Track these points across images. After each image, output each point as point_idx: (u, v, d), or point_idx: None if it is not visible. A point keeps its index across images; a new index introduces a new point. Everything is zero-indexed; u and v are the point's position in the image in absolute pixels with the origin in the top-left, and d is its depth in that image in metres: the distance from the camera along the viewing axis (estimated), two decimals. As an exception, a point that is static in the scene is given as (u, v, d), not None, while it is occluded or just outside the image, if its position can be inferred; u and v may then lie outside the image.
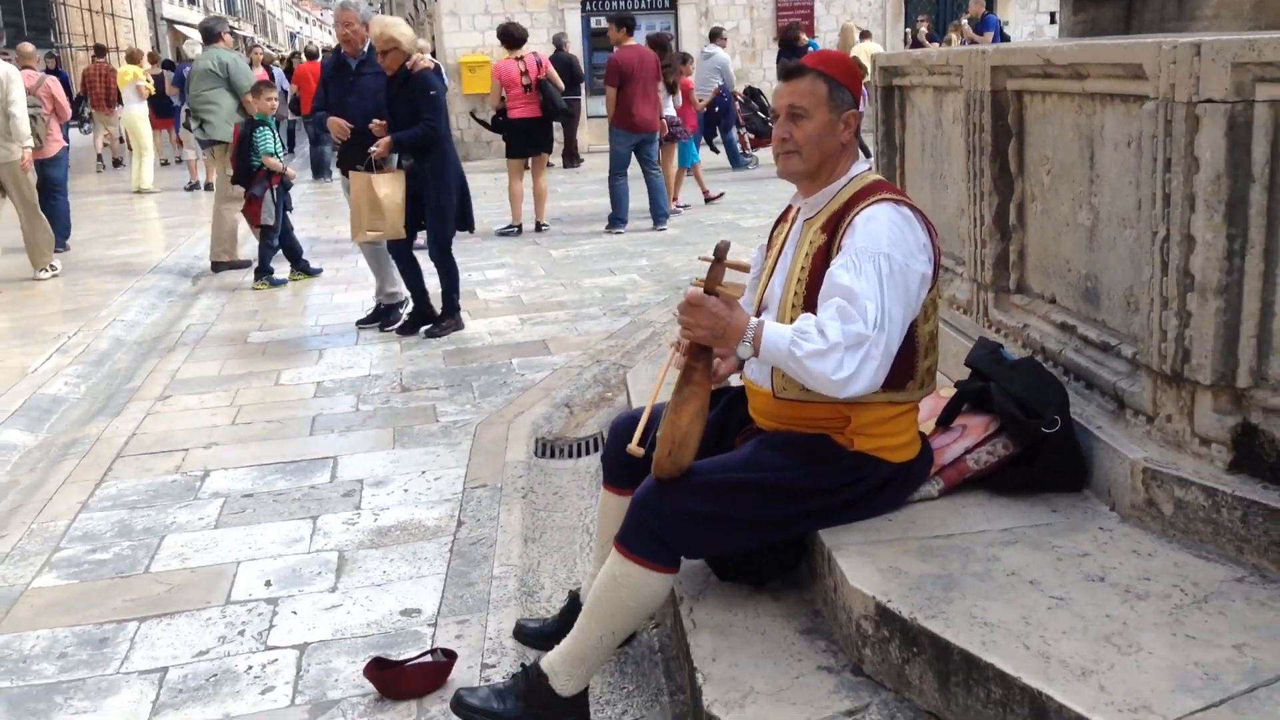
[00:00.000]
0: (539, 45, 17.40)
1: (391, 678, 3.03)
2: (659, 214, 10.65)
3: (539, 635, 3.16)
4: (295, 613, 3.51)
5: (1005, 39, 15.63)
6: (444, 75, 7.10)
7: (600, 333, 6.74)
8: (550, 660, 2.80)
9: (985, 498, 2.92)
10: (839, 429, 2.77)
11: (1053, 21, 19.70)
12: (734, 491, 2.70)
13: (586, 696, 2.85)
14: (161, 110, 17.27)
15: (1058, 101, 3.22)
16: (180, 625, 3.46)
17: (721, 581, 2.99)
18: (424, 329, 6.93)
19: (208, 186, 14.87)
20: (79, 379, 6.27)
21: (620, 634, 2.79)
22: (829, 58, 2.85)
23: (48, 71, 13.32)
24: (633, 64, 10.17)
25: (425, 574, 3.74)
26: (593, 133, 17.78)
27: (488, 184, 13.66)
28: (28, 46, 13.08)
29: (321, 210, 13.41)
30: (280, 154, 8.77)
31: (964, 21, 16.72)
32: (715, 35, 14.97)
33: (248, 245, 9.60)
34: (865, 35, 15.99)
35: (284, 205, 8.69)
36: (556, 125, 11.59)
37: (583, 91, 16.50)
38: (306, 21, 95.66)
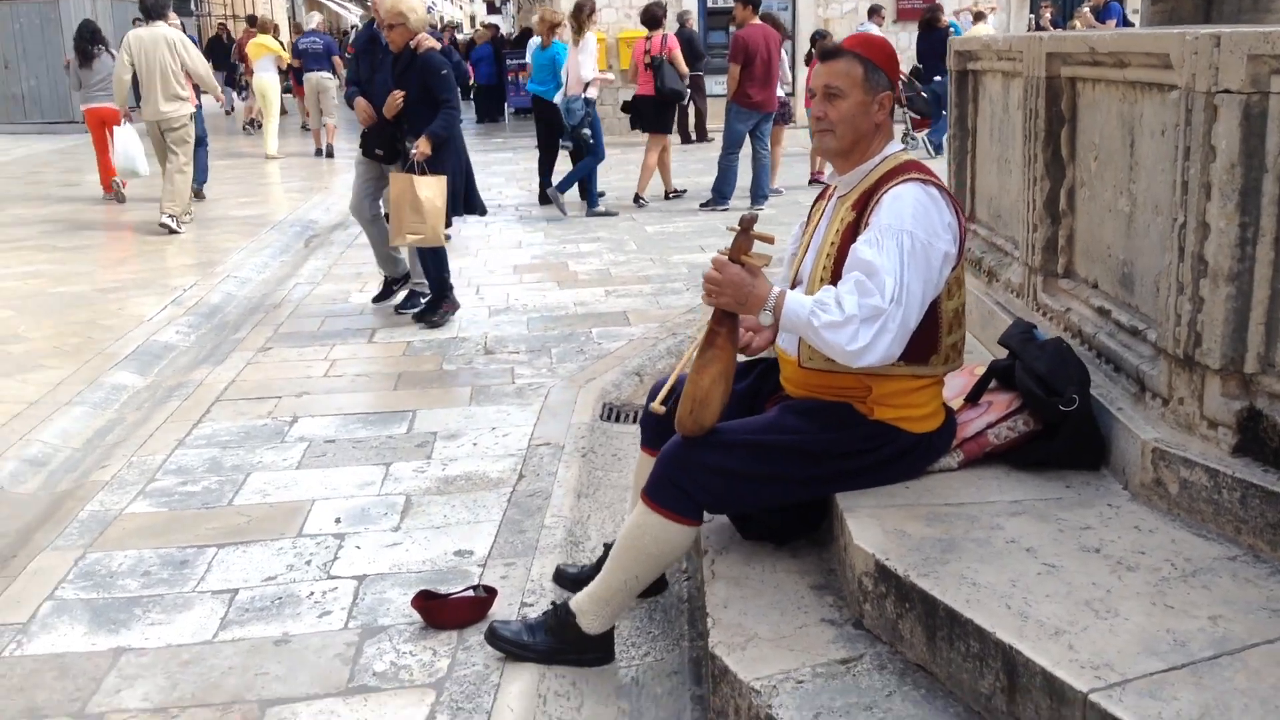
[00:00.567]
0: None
1: (436, 608, 3.26)
2: (759, 193, 10.77)
3: (575, 580, 3.36)
4: (359, 548, 3.77)
5: (1130, 26, 15.21)
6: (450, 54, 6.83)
7: (681, 307, 6.91)
8: (579, 600, 3.00)
9: (1003, 472, 3.02)
10: (860, 398, 2.90)
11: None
12: (756, 451, 2.85)
13: (611, 636, 3.04)
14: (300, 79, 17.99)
15: (1105, 89, 3.27)
16: (254, 553, 3.75)
17: (745, 539, 3.15)
18: (418, 316, 6.70)
19: (329, 153, 15.52)
20: (190, 329, 6.68)
21: (644, 579, 2.97)
22: (868, 40, 2.96)
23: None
24: (758, 42, 10.26)
25: (482, 520, 3.97)
26: (709, 111, 17.83)
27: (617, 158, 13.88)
28: (173, 16, 13.85)
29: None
30: None
31: (1086, 9, 16.30)
32: (873, 12, 15.03)
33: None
34: (979, 17, 15.74)
35: None
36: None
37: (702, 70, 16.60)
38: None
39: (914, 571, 2.52)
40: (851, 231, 2.84)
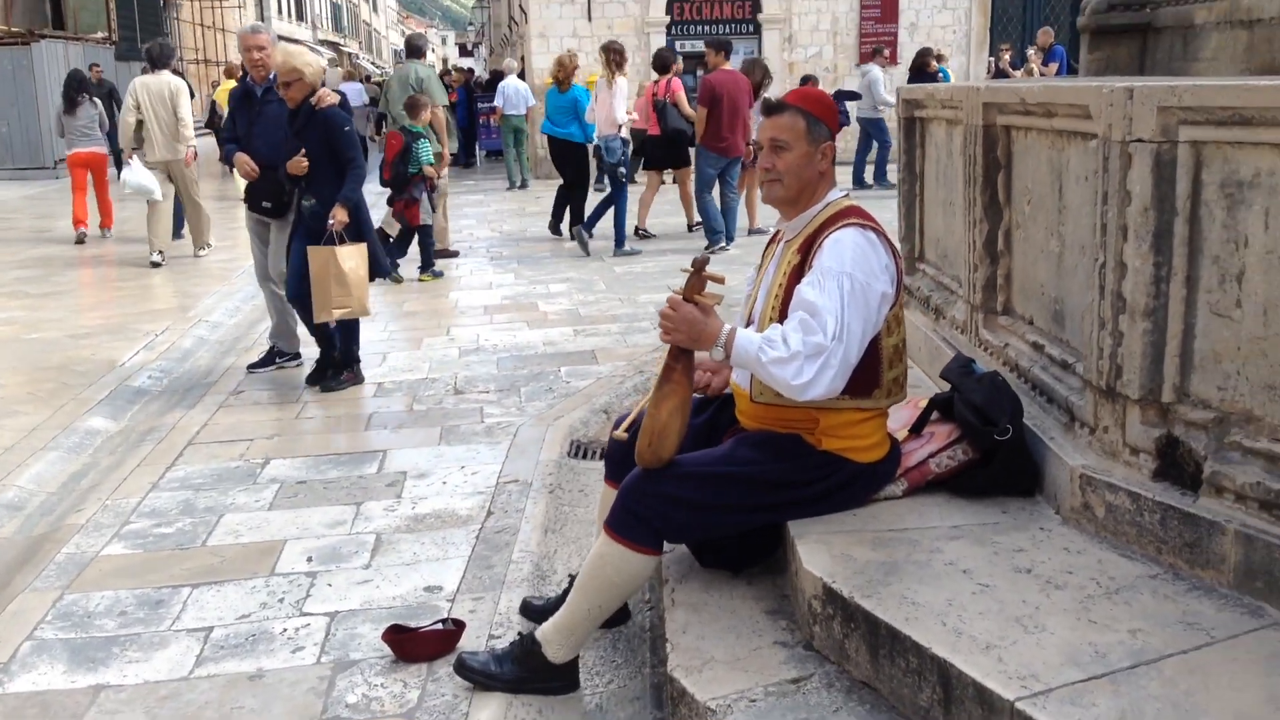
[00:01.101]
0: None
1: (406, 641, 3.38)
2: (721, 233, 10.98)
3: (541, 612, 3.48)
4: (330, 585, 3.88)
5: (1073, 70, 15.60)
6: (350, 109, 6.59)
7: (648, 345, 7.06)
8: (544, 630, 3.13)
9: (945, 499, 3.18)
10: (809, 429, 3.06)
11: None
12: (712, 481, 3.00)
13: (576, 665, 3.17)
14: None
15: (1036, 137, 3.47)
16: (228, 592, 3.86)
17: (704, 568, 3.29)
18: (312, 381, 6.37)
19: None
20: (162, 373, 6.78)
21: (607, 609, 3.10)
22: (808, 95, 3.15)
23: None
24: (727, 87, 10.50)
25: (451, 556, 4.09)
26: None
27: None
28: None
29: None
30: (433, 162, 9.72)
31: (1031, 51, 16.72)
32: (875, 54, 15.84)
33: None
34: (939, 59, 16.17)
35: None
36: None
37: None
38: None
39: (858, 593, 2.67)
40: (797, 274, 3.01)
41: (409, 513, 4.51)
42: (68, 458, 5.34)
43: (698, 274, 2.94)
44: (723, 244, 10.79)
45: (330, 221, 5.91)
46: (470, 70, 26.75)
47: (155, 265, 10.38)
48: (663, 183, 11.98)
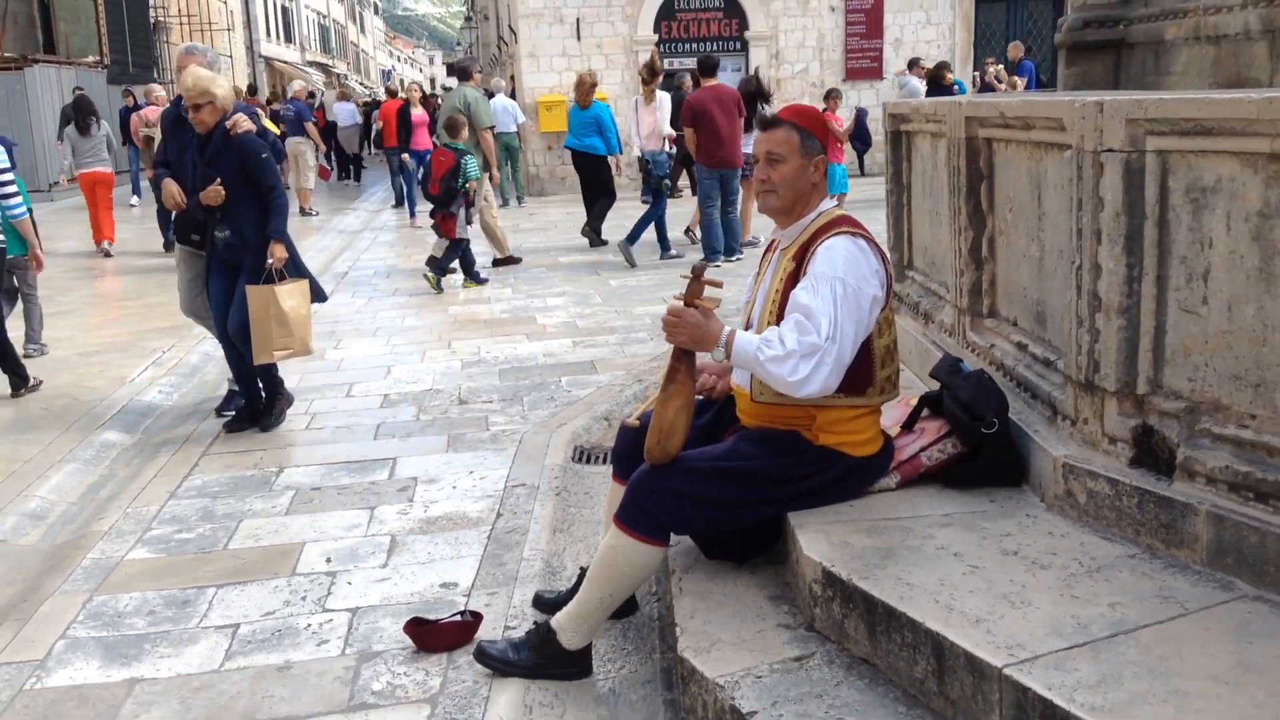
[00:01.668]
0: (611, 86, 18.12)
1: (427, 633, 3.55)
2: (720, 246, 11.19)
3: (553, 604, 3.66)
4: (350, 584, 4.05)
5: (1041, 84, 15.86)
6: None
7: (645, 355, 7.26)
8: (559, 619, 3.31)
9: (936, 490, 3.38)
10: (806, 426, 3.25)
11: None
12: (715, 476, 3.19)
13: (589, 651, 3.34)
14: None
15: (1016, 149, 3.68)
16: (252, 591, 4.03)
17: (709, 560, 3.48)
18: (232, 428, 6.01)
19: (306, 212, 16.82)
20: (172, 388, 6.95)
21: (617, 597, 3.29)
22: (802, 111, 3.35)
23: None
24: (706, 103, 10.58)
25: (464, 555, 4.27)
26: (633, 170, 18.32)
27: (559, 218, 14.38)
28: (157, 87, 16.03)
29: (400, 240, 14.21)
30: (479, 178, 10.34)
31: (999, 65, 16.98)
32: (912, 65, 16.05)
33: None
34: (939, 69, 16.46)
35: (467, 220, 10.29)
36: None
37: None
38: (399, 60, 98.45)
39: (856, 576, 2.86)
40: (792, 280, 3.20)
41: (421, 515, 4.69)
42: (85, 469, 5.50)
43: (697, 280, 3.14)
44: (718, 262, 10.96)
45: (269, 260, 5.70)
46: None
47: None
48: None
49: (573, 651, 3.29)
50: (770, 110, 11.68)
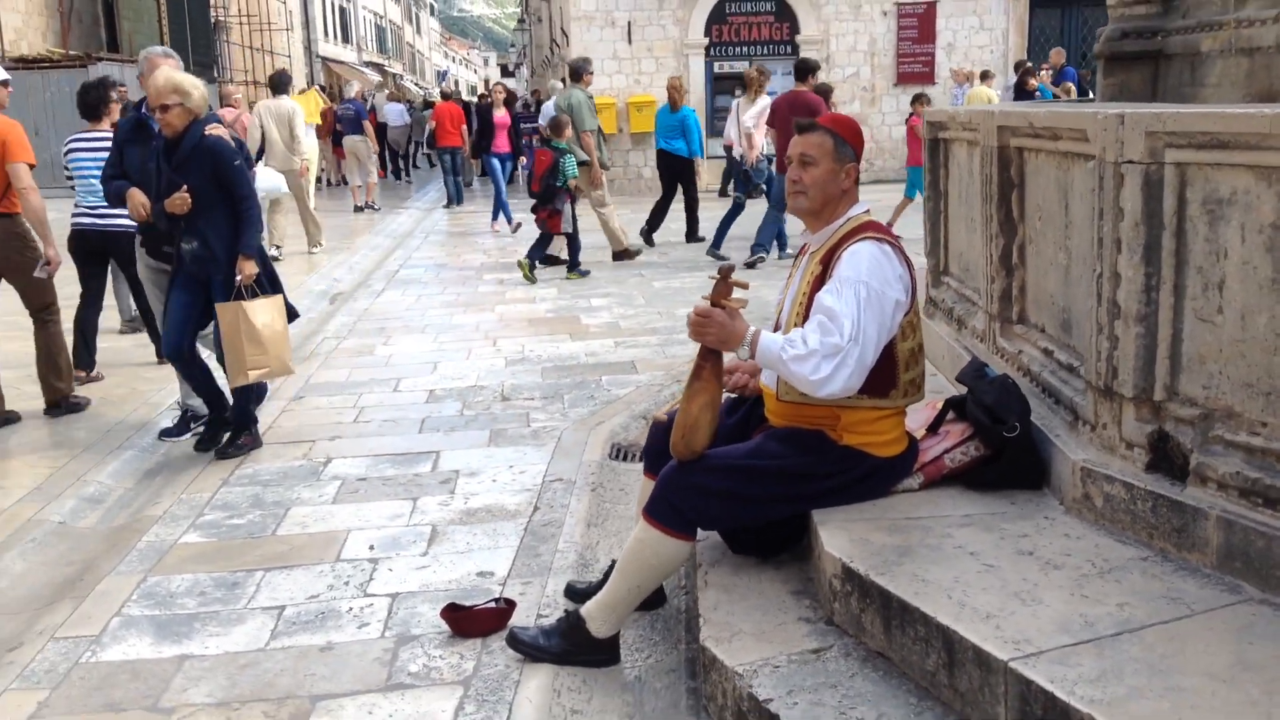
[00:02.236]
0: (660, 90, 18.25)
1: (463, 619, 3.69)
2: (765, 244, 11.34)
3: (584, 594, 3.78)
4: (391, 570, 4.21)
5: (1084, 91, 15.72)
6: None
7: (685, 356, 7.36)
8: (588, 608, 3.44)
9: (958, 491, 3.46)
10: (831, 426, 3.35)
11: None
12: (742, 473, 3.29)
13: (617, 640, 3.47)
14: (336, 141, 19.83)
15: (1045, 158, 3.75)
16: (297, 575, 4.19)
17: (735, 554, 3.58)
18: (216, 451, 5.67)
19: (371, 206, 17.67)
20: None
21: (645, 588, 3.40)
22: (837, 119, 3.45)
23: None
24: (781, 108, 10.79)
25: (501, 546, 4.41)
26: (711, 173, 18.41)
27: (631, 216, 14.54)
28: (231, 87, 17.13)
29: (450, 239, 14.44)
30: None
31: (1041, 72, 16.85)
32: (985, 77, 16.28)
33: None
34: (986, 77, 16.42)
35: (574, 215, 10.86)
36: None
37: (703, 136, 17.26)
38: (454, 61, 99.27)
39: (874, 571, 2.95)
40: (819, 283, 3.30)
41: (462, 507, 4.84)
42: (142, 456, 5.71)
43: (724, 280, 3.25)
44: (762, 256, 11.15)
45: (239, 278, 5.38)
46: (513, 93, 27.26)
47: (274, 259, 10.95)
48: None
49: (601, 640, 3.42)
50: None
